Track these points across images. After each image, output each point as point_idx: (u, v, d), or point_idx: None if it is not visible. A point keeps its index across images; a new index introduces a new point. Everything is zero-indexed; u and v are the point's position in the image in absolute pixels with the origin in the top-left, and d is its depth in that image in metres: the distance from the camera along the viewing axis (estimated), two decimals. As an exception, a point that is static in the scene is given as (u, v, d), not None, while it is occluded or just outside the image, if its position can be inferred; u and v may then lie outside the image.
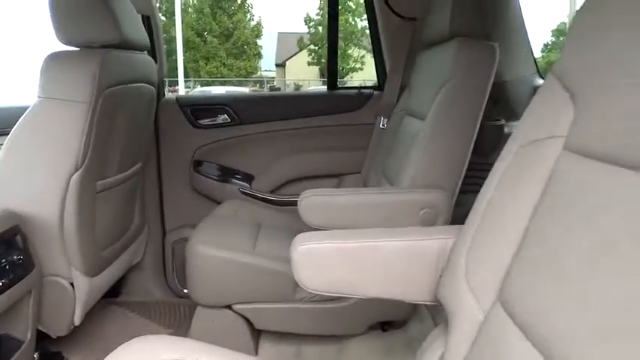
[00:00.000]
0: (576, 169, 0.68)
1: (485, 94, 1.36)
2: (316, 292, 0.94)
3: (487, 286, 0.77)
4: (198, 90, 14.49)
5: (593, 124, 0.67)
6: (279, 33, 25.91)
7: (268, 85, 24.40)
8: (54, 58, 1.41)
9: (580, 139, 0.69)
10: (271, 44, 25.64)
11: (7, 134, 1.42)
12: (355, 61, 20.42)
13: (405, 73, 1.99)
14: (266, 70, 26.23)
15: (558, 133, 0.73)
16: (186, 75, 20.22)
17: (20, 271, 1.28)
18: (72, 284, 1.47)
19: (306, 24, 23.12)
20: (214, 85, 21.25)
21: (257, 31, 24.78)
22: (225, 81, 22.37)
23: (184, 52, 20.81)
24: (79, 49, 1.45)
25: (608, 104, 0.65)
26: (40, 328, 1.47)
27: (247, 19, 24.38)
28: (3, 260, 1.22)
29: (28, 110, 1.39)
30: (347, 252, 0.93)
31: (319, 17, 22.26)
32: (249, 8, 24.26)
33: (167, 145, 2.13)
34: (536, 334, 0.63)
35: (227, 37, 23.66)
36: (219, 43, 23.42)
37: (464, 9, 1.47)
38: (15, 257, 1.26)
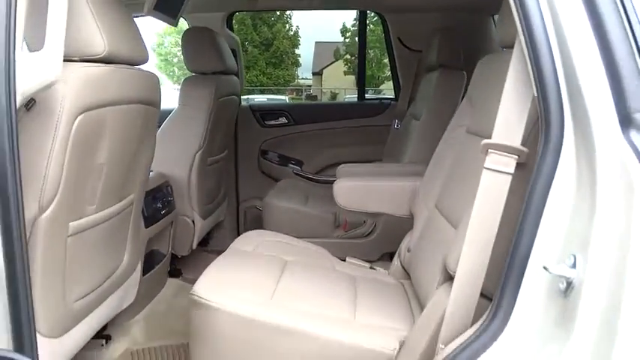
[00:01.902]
0: (466, 140, 1.46)
1: (456, 105, 2.13)
2: (346, 209, 1.77)
3: (430, 198, 1.57)
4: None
5: (475, 117, 1.45)
6: (316, 42, 26.69)
7: (305, 94, 25.22)
8: (188, 80, 2.28)
9: (471, 125, 1.47)
10: (308, 52, 26.37)
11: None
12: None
13: (413, 89, 2.78)
14: (303, 79, 27.12)
15: (465, 123, 1.52)
16: (228, 83, 21.26)
17: (169, 208, 2.13)
18: (193, 222, 2.32)
19: (342, 35, 23.86)
20: (254, 93, 22.31)
21: (295, 41, 25.78)
22: (264, 89, 23.36)
23: (226, 61, 21.84)
24: (201, 74, 2.32)
25: (482, 108, 1.42)
26: (172, 250, 2.32)
27: (286, 29, 25.42)
28: (163, 199, 2.07)
29: (172, 112, 2.26)
30: (363, 187, 1.75)
31: (355, 28, 23.04)
32: (288, 19, 25.30)
33: (242, 138, 2.99)
34: (446, 213, 1.41)
35: (267, 47, 24.68)
36: (259, 53, 24.46)
37: (446, 47, 2.27)
38: (169, 199, 2.12)
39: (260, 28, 24.44)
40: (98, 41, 1.21)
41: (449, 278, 1.18)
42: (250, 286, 1.34)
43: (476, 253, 1.03)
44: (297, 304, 1.30)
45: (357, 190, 1.77)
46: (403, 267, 1.68)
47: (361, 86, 3.16)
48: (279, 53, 24.80)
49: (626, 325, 0.76)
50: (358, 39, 3.10)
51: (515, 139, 1.00)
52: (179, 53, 20.92)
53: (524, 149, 0.98)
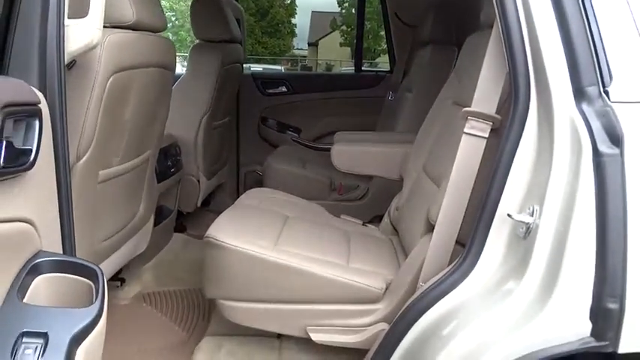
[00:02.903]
0: (452, 110, 1.63)
1: (446, 79, 2.30)
2: (343, 171, 1.94)
3: (419, 162, 1.74)
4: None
5: (460, 89, 1.62)
6: (312, 12, 26.31)
7: (300, 64, 25.00)
8: (196, 47, 2.42)
9: (456, 97, 1.64)
10: (304, 22, 25.98)
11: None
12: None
13: (407, 62, 2.93)
14: (298, 49, 26.86)
15: (452, 95, 1.69)
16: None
17: (177, 167, 2.30)
18: (198, 181, 2.49)
19: (339, 5, 23.55)
20: (249, 62, 22.10)
21: (291, 10, 25.43)
22: (259, 58, 23.13)
23: (222, 29, 21.50)
24: (209, 42, 2.45)
25: (466, 81, 1.58)
26: (178, 207, 2.49)
27: (283, -3, 25.01)
28: (172, 158, 2.23)
29: (181, 77, 2.40)
30: (358, 151, 1.93)
31: (352, -1, 22.75)
32: (285, -14, 24.87)
33: (244, 105, 3.14)
34: (432, 175, 1.59)
35: (263, 16, 24.33)
36: (255, 22, 24.11)
37: (439, 24, 2.42)
38: (177, 159, 2.28)
39: (256, -4, 24.01)
40: (128, 10, 1.35)
41: (430, 230, 1.37)
42: (257, 232, 1.52)
43: (454, 205, 1.22)
44: (297, 249, 1.48)
45: (352, 154, 1.95)
46: (392, 224, 1.87)
47: (358, 58, 3.32)
48: (275, 22, 24.43)
49: (568, 260, 0.95)
50: (357, 12, 3.23)
51: (491, 108, 1.17)
52: (173, 19, 20.70)
53: (498, 117, 1.16)
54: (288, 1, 24.89)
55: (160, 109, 1.74)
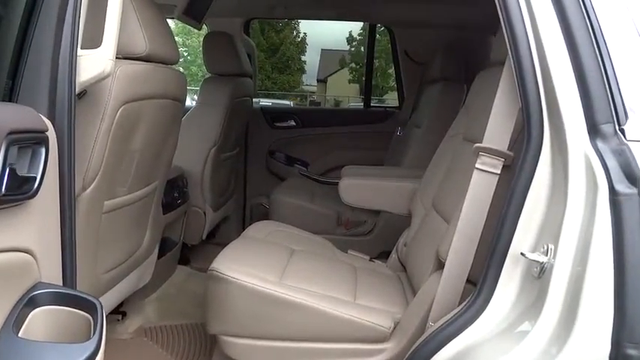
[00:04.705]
0: (462, 146, 1.61)
1: (455, 116, 2.30)
2: (351, 205, 1.91)
3: (428, 197, 1.72)
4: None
5: (470, 125, 1.61)
6: (322, 49, 26.87)
7: (309, 100, 25.33)
8: (207, 80, 2.44)
9: (466, 132, 1.62)
10: (314, 59, 26.48)
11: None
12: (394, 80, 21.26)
13: (416, 99, 2.94)
14: (307, 85, 27.26)
15: (462, 131, 1.68)
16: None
17: (183, 199, 2.29)
18: (204, 213, 2.47)
19: (348, 43, 24.00)
20: (258, 97, 22.36)
21: (301, 48, 25.97)
22: (268, 93, 23.46)
23: (233, 64, 21.90)
24: (220, 76, 2.48)
25: (476, 117, 1.58)
26: (183, 240, 2.46)
27: (293, 35, 25.60)
28: (179, 190, 2.22)
29: (190, 110, 2.41)
30: (367, 185, 1.91)
31: (361, 37, 23.19)
32: (296, 25, 25.48)
33: (252, 138, 3.15)
34: (441, 211, 1.57)
35: (273, 52, 24.86)
36: (266, 58, 24.61)
37: (448, 62, 2.43)
38: (183, 190, 2.27)
39: (268, 33, 24.56)
40: (141, 42, 1.37)
41: (439, 267, 1.33)
42: (262, 266, 1.48)
43: (464, 243, 1.18)
44: (303, 284, 1.44)
45: (360, 188, 1.93)
46: (400, 261, 1.83)
47: (367, 94, 3.35)
48: (286, 59, 24.90)
49: (585, 302, 0.91)
50: (367, 50, 3.28)
51: (503, 144, 1.15)
52: (185, 54, 21.16)
53: (510, 153, 1.14)
54: (299, 39, 25.46)
55: (169, 140, 1.74)
